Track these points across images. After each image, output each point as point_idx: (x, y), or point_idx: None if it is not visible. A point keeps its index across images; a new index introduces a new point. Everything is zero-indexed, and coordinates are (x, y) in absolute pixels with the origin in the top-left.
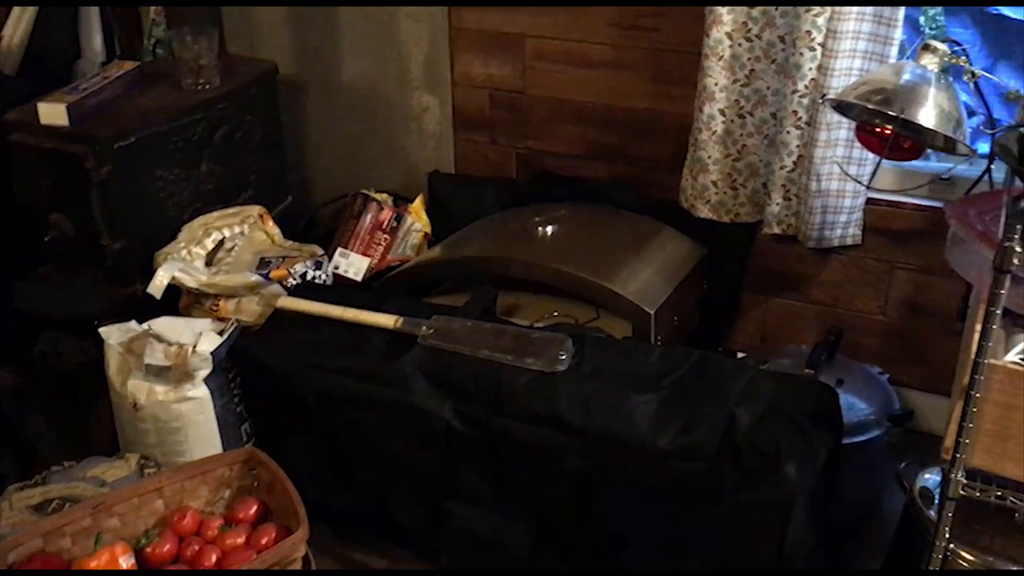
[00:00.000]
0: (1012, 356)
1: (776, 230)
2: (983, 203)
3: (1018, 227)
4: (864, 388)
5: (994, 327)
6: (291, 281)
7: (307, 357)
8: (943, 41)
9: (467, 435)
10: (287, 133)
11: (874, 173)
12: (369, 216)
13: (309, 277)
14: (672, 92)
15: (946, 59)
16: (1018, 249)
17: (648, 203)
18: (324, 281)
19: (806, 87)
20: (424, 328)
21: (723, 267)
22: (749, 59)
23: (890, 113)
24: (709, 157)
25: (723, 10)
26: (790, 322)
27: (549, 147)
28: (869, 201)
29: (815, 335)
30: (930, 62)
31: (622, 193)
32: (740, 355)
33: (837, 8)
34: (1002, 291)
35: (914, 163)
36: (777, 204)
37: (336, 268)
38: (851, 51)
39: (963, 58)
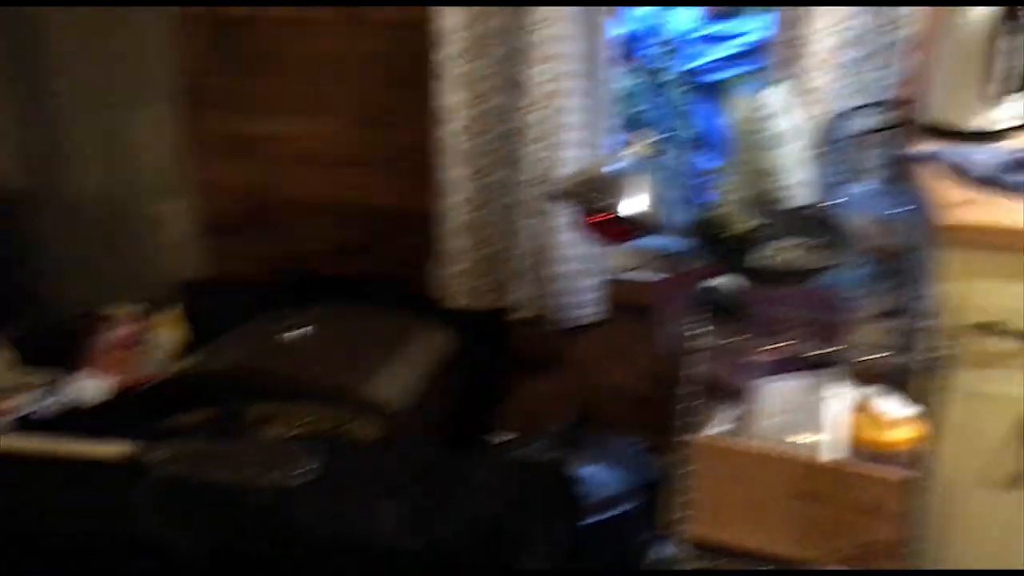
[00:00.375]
0: (717, 429)
1: (526, 314)
2: (684, 280)
3: (706, 307)
4: (618, 461)
5: (695, 403)
6: (15, 415)
7: (26, 500)
8: (652, 128)
9: (206, 567)
10: (18, 250)
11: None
12: (111, 333)
13: (42, 406)
14: (418, 186)
15: (652, 148)
16: (704, 329)
17: (401, 298)
18: (59, 408)
19: (537, 177)
20: (159, 454)
21: (481, 355)
22: (482, 153)
23: (603, 203)
24: (456, 248)
25: (455, 104)
26: (554, 401)
27: (302, 247)
28: (616, 278)
29: (578, 411)
30: (638, 152)
31: (375, 289)
32: (504, 439)
33: (558, 102)
34: (693, 370)
35: (649, 240)
36: (522, 289)
37: (72, 393)
38: (575, 142)
39: (668, 145)
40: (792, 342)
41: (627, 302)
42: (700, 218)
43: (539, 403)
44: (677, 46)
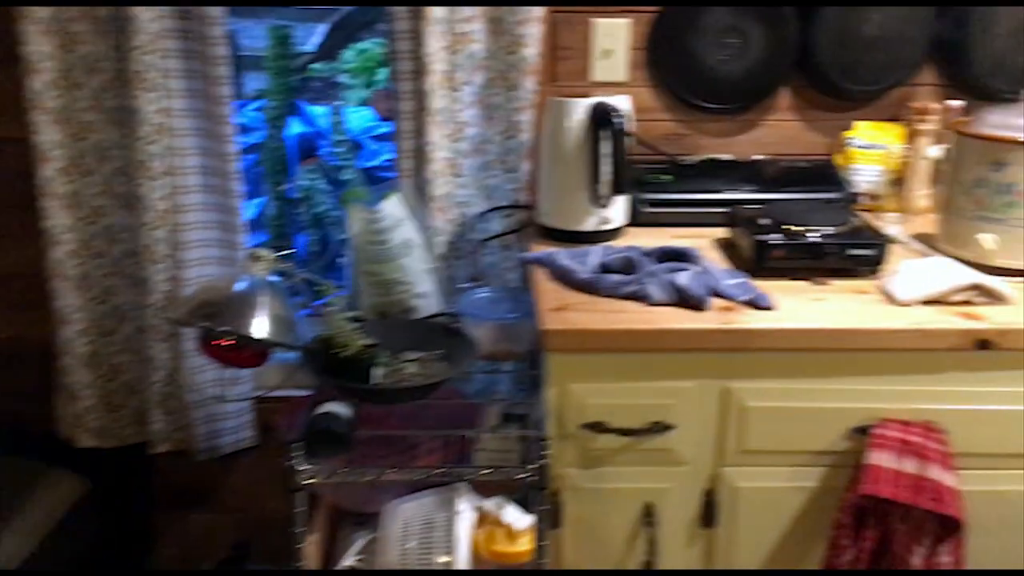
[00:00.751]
0: (349, 559)
1: (165, 447)
2: (302, 405)
3: (320, 433)
4: None
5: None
6: None
7: None
8: (271, 248)
9: None
10: None
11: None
12: None
13: None
14: (29, 317)
15: (274, 265)
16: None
17: (21, 441)
18: None
19: (163, 300)
20: None
21: (120, 495)
22: (100, 275)
23: (224, 327)
24: (80, 382)
25: (63, 225)
26: (211, 536)
27: None
28: (261, 399)
29: (236, 544)
30: (260, 269)
31: None
32: None
33: (182, 221)
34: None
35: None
36: (160, 421)
37: None
38: (201, 259)
39: (289, 263)
40: (418, 460)
41: (277, 423)
42: (318, 337)
43: (194, 539)
44: (356, 145)
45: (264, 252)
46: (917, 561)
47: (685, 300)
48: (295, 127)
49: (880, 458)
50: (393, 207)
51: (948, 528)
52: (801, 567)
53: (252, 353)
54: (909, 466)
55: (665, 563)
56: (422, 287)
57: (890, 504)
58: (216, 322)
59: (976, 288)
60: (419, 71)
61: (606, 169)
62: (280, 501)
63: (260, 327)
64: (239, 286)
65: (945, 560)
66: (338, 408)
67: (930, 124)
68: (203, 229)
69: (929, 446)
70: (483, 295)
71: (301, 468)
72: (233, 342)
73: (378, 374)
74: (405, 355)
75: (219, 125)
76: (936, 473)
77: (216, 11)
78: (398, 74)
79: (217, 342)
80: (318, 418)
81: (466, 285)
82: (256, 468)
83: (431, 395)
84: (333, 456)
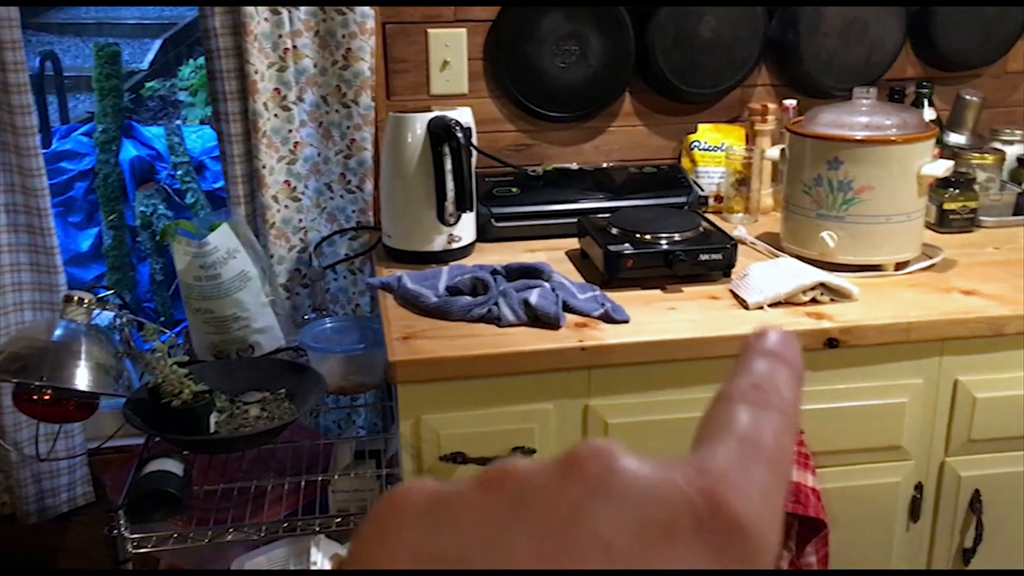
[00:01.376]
0: None
1: None
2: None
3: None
4: None
5: None
6: None
7: None
8: (88, 289)
9: None
10: None
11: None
12: None
13: None
14: None
15: (94, 307)
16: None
17: None
18: None
19: None
20: None
21: None
22: None
23: (38, 379)
24: None
25: None
26: None
27: None
28: (96, 452)
29: None
30: (77, 314)
31: None
32: None
33: None
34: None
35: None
36: None
37: None
38: (14, 304)
39: (111, 303)
40: (266, 510)
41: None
42: (145, 385)
43: None
44: (197, 166)
45: (82, 294)
46: (783, 565)
47: (538, 319)
48: (129, 150)
49: None
50: (222, 238)
51: (812, 528)
52: None
53: (75, 406)
54: None
55: None
56: (261, 322)
57: None
58: (31, 375)
59: (821, 286)
60: (246, 90)
61: (451, 185)
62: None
63: (82, 378)
64: (56, 333)
65: (811, 560)
66: (169, 464)
67: (769, 124)
68: (13, 271)
69: None
70: (329, 325)
71: (129, 536)
72: (49, 396)
73: (215, 422)
74: (246, 397)
75: (26, 158)
76: (796, 475)
77: (10, 35)
78: (222, 94)
79: (34, 397)
80: (146, 478)
81: (311, 316)
82: (95, 526)
83: (277, 439)
84: (166, 519)
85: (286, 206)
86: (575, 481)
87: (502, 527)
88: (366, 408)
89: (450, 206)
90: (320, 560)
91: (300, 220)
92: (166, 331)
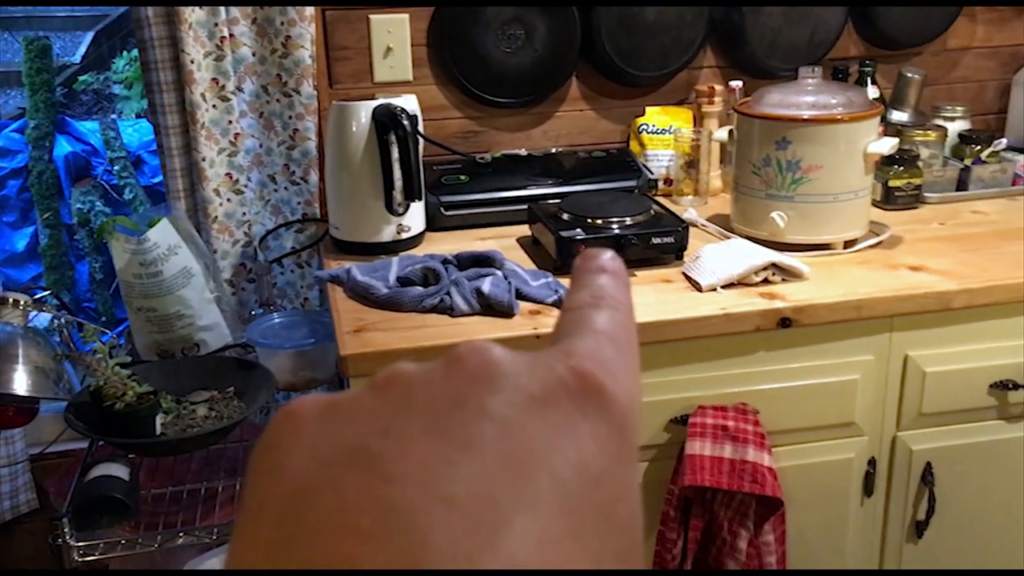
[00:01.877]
0: None
1: None
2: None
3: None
4: None
5: None
6: None
7: None
8: (24, 290)
9: None
10: None
11: None
12: None
13: None
14: None
15: (31, 308)
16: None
17: None
18: None
19: None
20: None
21: None
22: None
23: None
24: None
25: None
26: None
27: None
28: (38, 458)
29: None
30: (13, 316)
31: None
32: None
33: None
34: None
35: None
36: None
37: None
38: None
39: (48, 304)
40: (217, 512)
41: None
42: (87, 388)
43: None
44: (135, 160)
45: (18, 296)
46: (743, 544)
47: (492, 308)
48: (64, 146)
49: (699, 447)
50: (162, 234)
51: (769, 507)
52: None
53: (14, 412)
54: (727, 451)
55: None
56: (206, 319)
57: (713, 491)
58: None
59: (773, 267)
60: (182, 81)
61: (398, 175)
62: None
63: (20, 382)
64: None
65: (769, 539)
66: (114, 469)
67: (716, 106)
68: None
69: (744, 428)
70: (278, 321)
71: (75, 544)
72: None
73: (161, 423)
74: (192, 397)
75: None
76: (753, 455)
77: None
78: (158, 85)
79: None
80: (90, 484)
81: (258, 312)
82: (40, 535)
83: (226, 438)
84: (113, 525)
85: (228, 199)
86: (458, 374)
87: (395, 416)
88: None
89: (398, 195)
90: None
91: (243, 213)
92: (107, 331)
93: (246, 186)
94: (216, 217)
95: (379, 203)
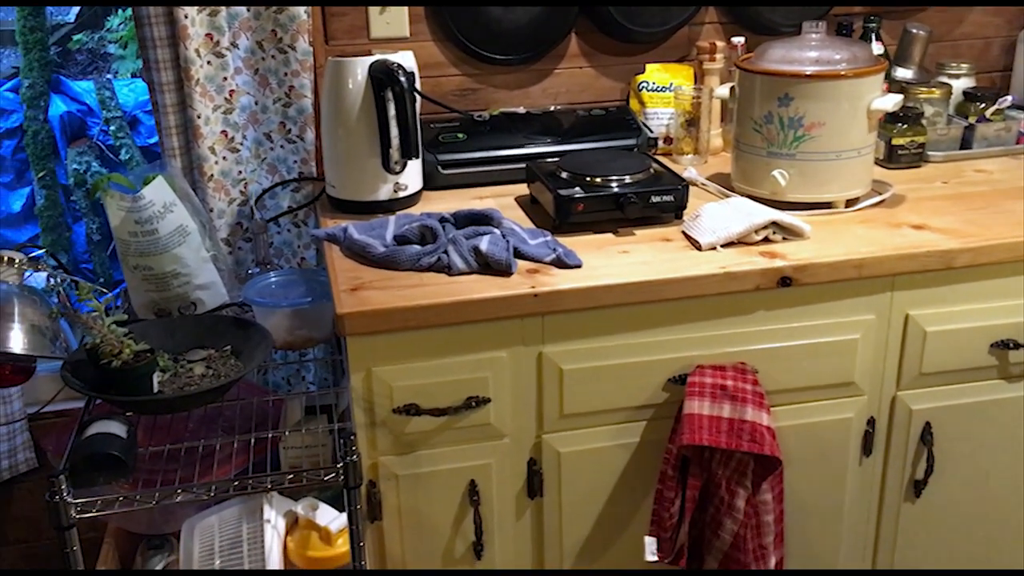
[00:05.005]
0: None
1: None
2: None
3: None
4: None
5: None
6: None
7: None
8: (17, 248)
9: None
10: None
11: None
12: None
13: None
14: None
15: (26, 267)
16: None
17: None
18: None
19: None
20: None
21: None
22: None
23: None
24: None
25: None
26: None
27: None
28: (36, 417)
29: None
30: (8, 274)
31: None
32: None
33: None
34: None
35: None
36: None
37: None
38: None
39: (44, 263)
40: (215, 469)
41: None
42: (84, 346)
43: None
44: (131, 120)
45: (13, 254)
46: (740, 503)
47: (489, 266)
48: (59, 106)
49: (697, 406)
50: (158, 192)
51: (768, 467)
52: (631, 524)
53: (11, 370)
54: (726, 410)
55: (495, 541)
56: (202, 278)
57: (711, 450)
58: None
59: (773, 225)
60: (176, 36)
61: (395, 132)
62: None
63: (16, 340)
64: None
65: (767, 498)
66: (112, 426)
67: (717, 63)
68: None
69: (743, 388)
70: (274, 280)
71: (72, 501)
72: None
73: (158, 381)
74: (190, 356)
75: None
76: (751, 414)
77: None
78: (151, 41)
79: None
80: (87, 441)
81: (254, 271)
82: (39, 493)
83: (223, 397)
84: (110, 482)
85: (224, 157)
86: None
87: None
88: (315, 363)
89: (395, 153)
90: (274, 518)
91: (239, 172)
92: (104, 291)
93: (242, 144)
94: (212, 175)
95: (376, 161)
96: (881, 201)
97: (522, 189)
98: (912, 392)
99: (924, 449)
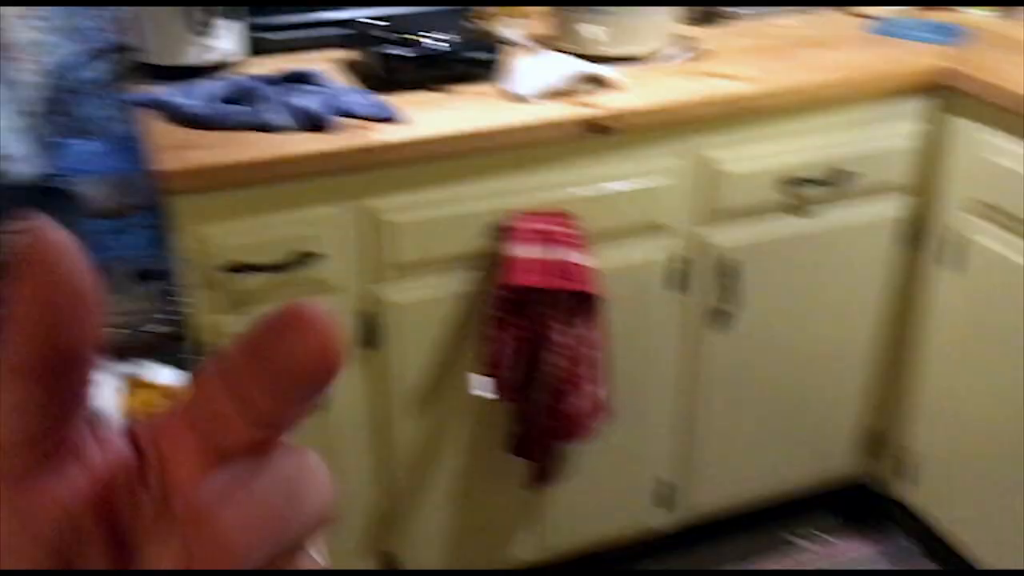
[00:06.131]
0: None
1: None
2: None
3: None
4: None
5: None
6: None
7: None
8: None
9: None
10: None
11: None
12: None
13: None
14: None
15: None
16: None
17: None
18: None
19: None
20: None
21: None
22: None
23: None
24: None
25: None
26: None
27: None
28: None
29: None
30: None
31: None
32: None
33: None
34: None
35: None
36: None
37: None
38: None
39: None
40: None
41: None
42: None
43: None
44: None
45: None
46: (566, 339)
47: (311, 123)
48: None
49: (520, 250)
50: None
51: (589, 305)
52: (467, 369)
53: None
54: (548, 253)
55: (333, 395)
56: (9, 148)
57: (537, 292)
58: None
59: (589, 78)
60: None
61: None
62: None
63: None
64: None
65: (590, 334)
66: None
67: None
68: None
69: (563, 232)
70: (87, 148)
71: None
72: None
73: None
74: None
75: None
76: (571, 256)
77: None
78: None
79: None
80: None
81: (67, 140)
82: None
83: None
84: None
85: (27, 26)
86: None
87: None
88: (139, 228)
89: (199, 13)
90: (104, 380)
91: (45, 41)
92: None
93: (47, 12)
94: (15, 44)
95: (184, 25)
96: (692, 56)
97: (344, 54)
98: (718, 230)
99: (732, 283)
